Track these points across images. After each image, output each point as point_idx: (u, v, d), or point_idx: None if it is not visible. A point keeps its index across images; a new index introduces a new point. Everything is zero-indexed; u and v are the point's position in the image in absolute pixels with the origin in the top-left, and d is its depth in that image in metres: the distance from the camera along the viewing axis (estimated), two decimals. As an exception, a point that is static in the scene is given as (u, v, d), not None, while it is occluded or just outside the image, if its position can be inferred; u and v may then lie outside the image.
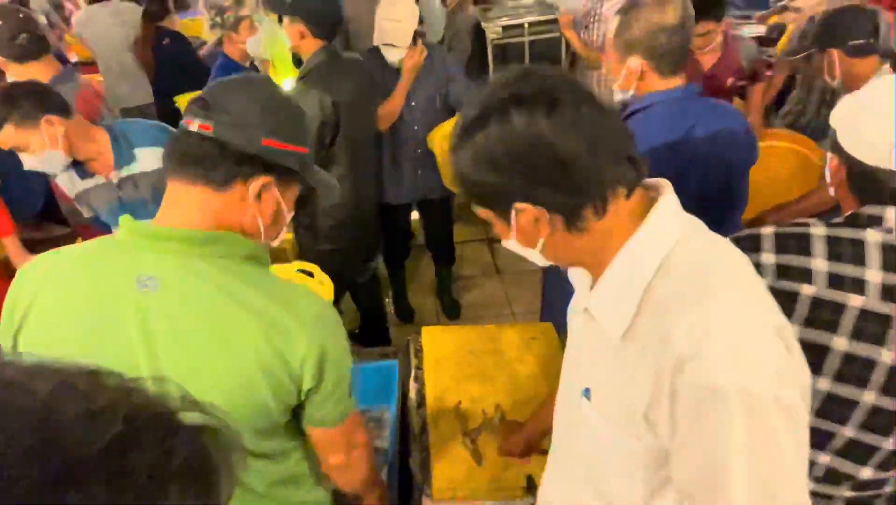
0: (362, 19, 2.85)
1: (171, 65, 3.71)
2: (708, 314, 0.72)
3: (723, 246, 0.83)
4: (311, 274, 1.96)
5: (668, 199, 0.81)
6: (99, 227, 2.08)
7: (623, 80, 1.53)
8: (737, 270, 0.80)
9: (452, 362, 1.78)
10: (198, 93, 0.94)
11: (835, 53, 2.03)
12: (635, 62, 1.48)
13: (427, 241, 3.21)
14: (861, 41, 2.00)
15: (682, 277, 0.76)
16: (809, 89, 2.78)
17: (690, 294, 0.74)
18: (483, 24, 3.84)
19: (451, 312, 3.28)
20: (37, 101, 1.70)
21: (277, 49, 3.33)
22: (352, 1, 2.90)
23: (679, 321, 0.73)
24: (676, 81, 1.51)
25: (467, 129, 0.76)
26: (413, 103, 2.61)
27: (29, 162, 1.75)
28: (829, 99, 2.63)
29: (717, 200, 1.52)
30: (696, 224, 0.84)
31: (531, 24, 3.81)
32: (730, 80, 2.72)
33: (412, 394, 1.75)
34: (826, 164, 1.11)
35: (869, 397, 1.03)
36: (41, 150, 1.71)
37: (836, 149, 1.07)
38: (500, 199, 0.79)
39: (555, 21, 3.73)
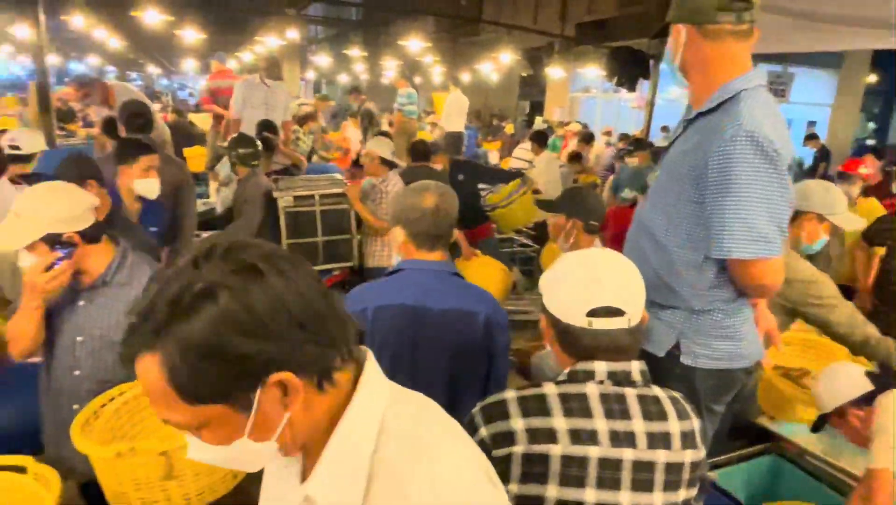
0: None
1: None
2: (433, 471, 0.74)
3: (424, 401, 0.86)
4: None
5: (371, 363, 0.82)
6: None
7: (395, 245, 1.76)
8: (446, 424, 0.83)
9: None
10: None
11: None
12: (398, 232, 1.70)
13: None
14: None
15: (402, 438, 0.76)
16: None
17: (414, 454, 0.75)
18: (275, 193, 3.96)
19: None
20: None
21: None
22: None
23: (410, 482, 0.73)
24: (432, 256, 1.69)
25: (167, 322, 0.67)
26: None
27: None
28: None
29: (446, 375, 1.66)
30: (394, 385, 0.85)
31: (322, 196, 4.02)
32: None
33: None
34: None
35: None
36: None
37: (544, 310, 1.23)
38: (239, 380, 0.69)
39: (343, 194, 4.03)
